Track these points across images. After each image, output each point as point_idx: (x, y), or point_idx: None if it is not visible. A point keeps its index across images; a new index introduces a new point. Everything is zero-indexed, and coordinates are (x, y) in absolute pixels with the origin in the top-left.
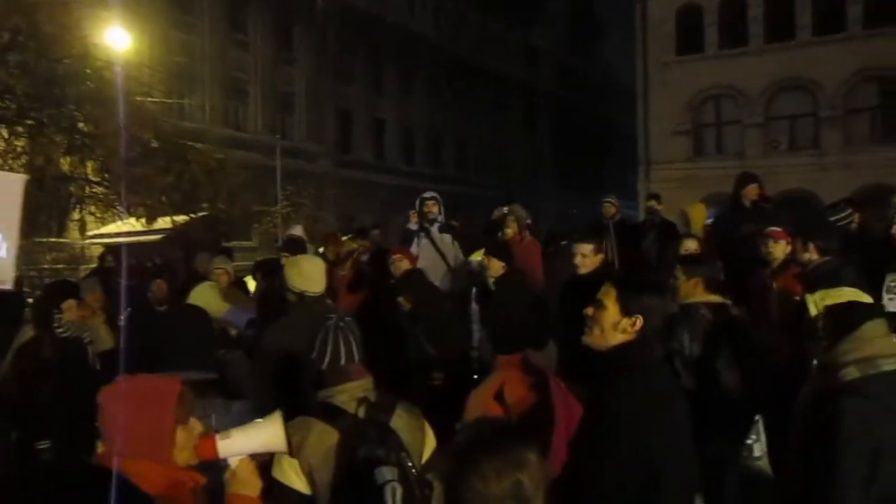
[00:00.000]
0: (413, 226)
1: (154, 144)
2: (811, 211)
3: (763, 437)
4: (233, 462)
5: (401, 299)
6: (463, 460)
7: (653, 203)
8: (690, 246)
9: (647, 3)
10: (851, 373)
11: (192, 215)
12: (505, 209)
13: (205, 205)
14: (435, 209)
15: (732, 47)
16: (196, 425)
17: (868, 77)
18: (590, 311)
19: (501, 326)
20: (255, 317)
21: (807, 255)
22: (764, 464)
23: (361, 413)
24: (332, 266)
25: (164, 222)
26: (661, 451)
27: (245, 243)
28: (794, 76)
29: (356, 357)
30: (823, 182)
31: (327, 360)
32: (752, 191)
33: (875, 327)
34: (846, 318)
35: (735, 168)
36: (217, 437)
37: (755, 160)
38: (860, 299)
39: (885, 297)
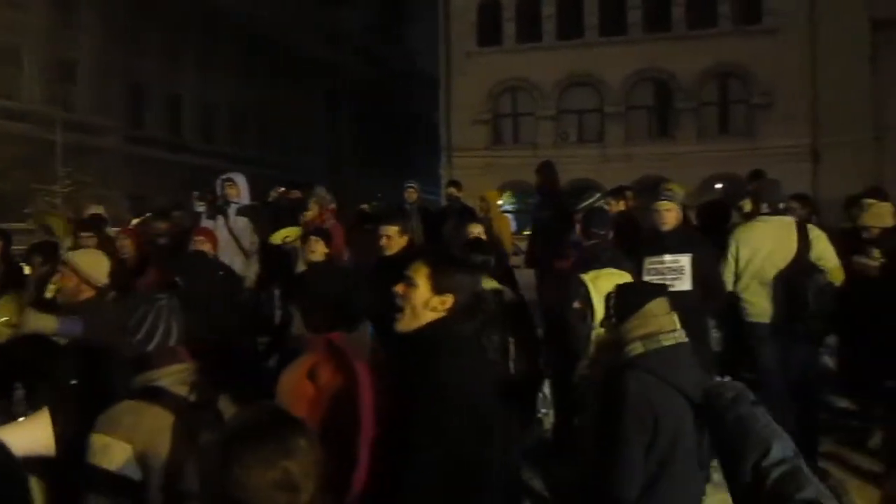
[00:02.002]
0: (200, 208)
1: None
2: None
3: (552, 411)
4: None
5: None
6: (227, 449)
7: (452, 190)
8: (474, 230)
9: None
10: (636, 348)
11: None
12: (281, 189)
13: None
14: (233, 192)
15: (528, 42)
16: None
17: (646, 78)
18: (400, 289)
19: (312, 307)
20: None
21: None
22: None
23: (193, 397)
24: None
25: None
26: (490, 411)
27: (18, 225)
28: (583, 73)
29: (180, 339)
30: (606, 172)
31: (156, 341)
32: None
33: (658, 305)
34: (633, 297)
35: (530, 157)
36: None
37: (548, 150)
38: (623, 279)
39: (645, 279)
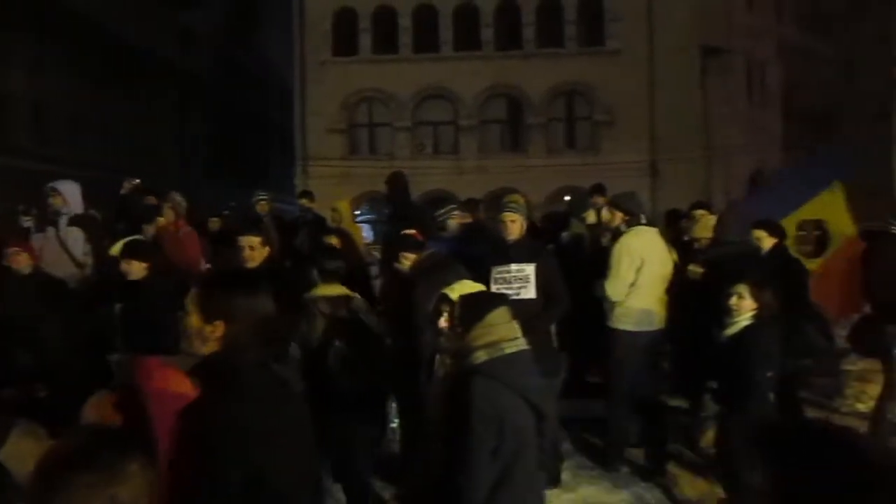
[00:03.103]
0: (28, 223)
1: None
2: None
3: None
4: None
5: None
6: (49, 477)
7: (304, 201)
8: (331, 241)
9: (305, 1)
10: (480, 356)
11: None
12: (136, 181)
13: None
14: (58, 201)
15: (384, 53)
16: None
17: (498, 93)
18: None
19: (138, 327)
20: None
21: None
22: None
23: None
24: None
25: None
26: (263, 456)
27: None
28: (438, 86)
29: None
30: (461, 184)
31: None
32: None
33: (500, 314)
34: (476, 307)
35: (387, 168)
36: None
37: (404, 161)
38: (480, 289)
39: (493, 287)
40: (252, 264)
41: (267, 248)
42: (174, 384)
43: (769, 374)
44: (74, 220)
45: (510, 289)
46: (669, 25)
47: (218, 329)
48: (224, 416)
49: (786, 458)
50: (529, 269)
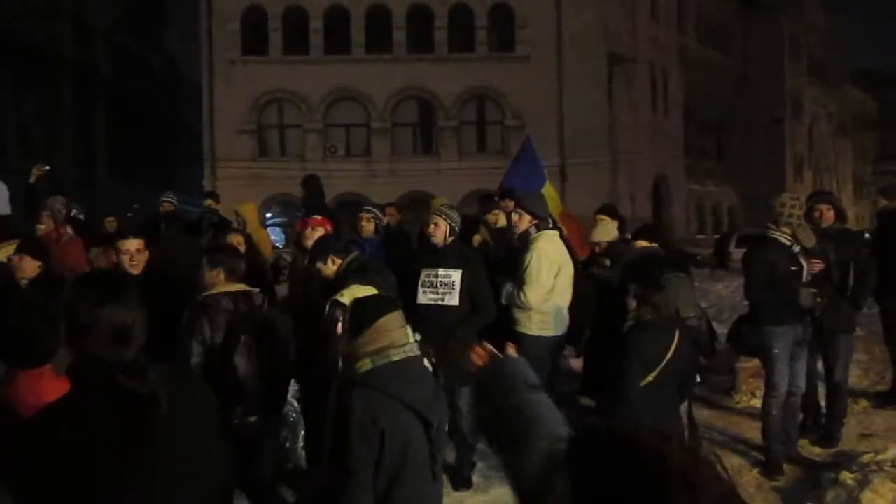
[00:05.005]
0: None
1: None
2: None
3: (301, 428)
4: None
5: None
6: None
7: (210, 202)
8: (235, 241)
9: None
10: (365, 364)
11: None
12: (46, 167)
13: None
14: None
15: (295, 54)
16: None
17: (410, 96)
18: None
19: (12, 336)
20: None
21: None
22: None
23: None
24: None
25: None
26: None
27: None
28: (350, 88)
29: None
30: (373, 187)
31: None
32: None
33: (392, 319)
34: (366, 312)
35: (298, 170)
36: None
37: (315, 164)
38: (373, 293)
39: (420, 290)
40: (135, 270)
41: (148, 253)
42: (51, 395)
43: (649, 375)
44: None
45: (435, 293)
46: (577, 33)
47: (75, 339)
48: (45, 430)
49: (583, 464)
50: (456, 276)
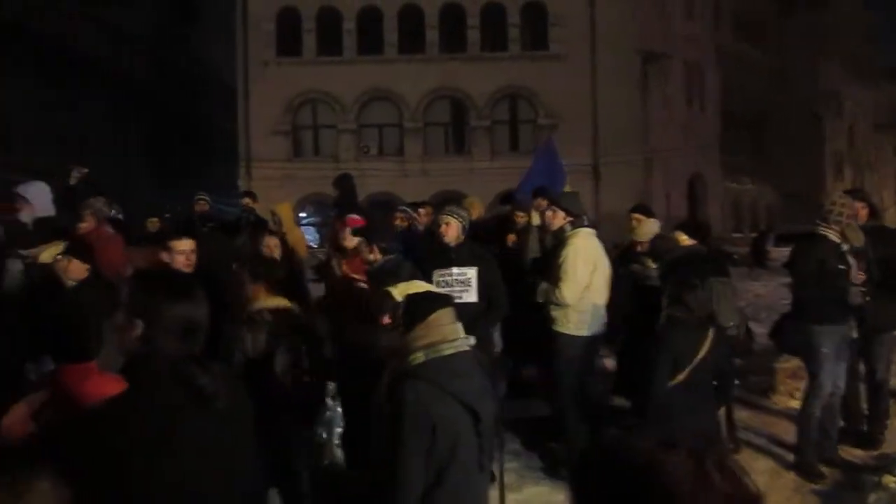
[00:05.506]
0: None
1: None
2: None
3: (336, 426)
4: None
5: None
6: None
7: (247, 201)
8: (269, 244)
9: (247, 0)
10: (418, 357)
11: None
12: (84, 170)
13: None
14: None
15: (329, 55)
16: None
17: (443, 95)
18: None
19: (59, 334)
20: None
21: (371, 256)
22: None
23: None
24: None
25: None
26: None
27: None
28: (383, 88)
29: None
30: (405, 186)
31: None
32: None
33: (444, 315)
34: (420, 307)
35: (331, 170)
36: None
37: (349, 163)
38: (425, 288)
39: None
40: (188, 270)
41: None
42: (108, 389)
43: (680, 374)
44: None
45: (452, 292)
46: (610, 30)
47: (137, 328)
48: (108, 420)
49: (581, 476)
50: (471, 273)
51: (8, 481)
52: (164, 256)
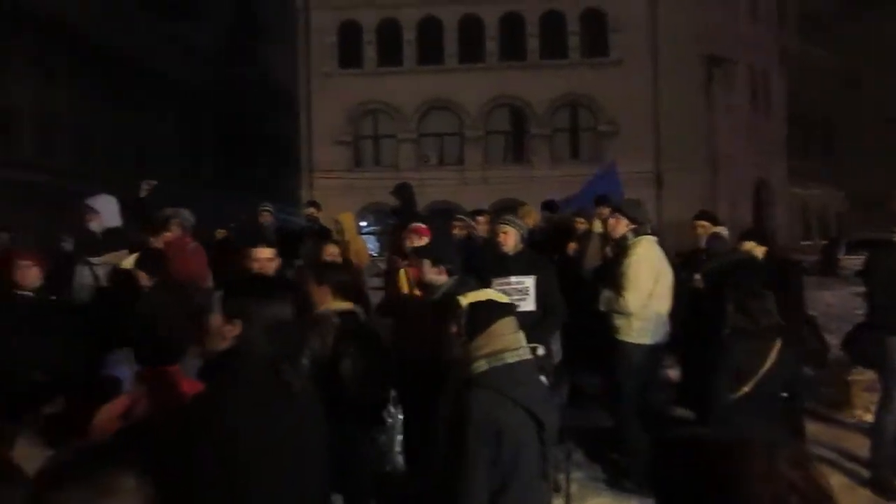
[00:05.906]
0: (69, 247)
1: None
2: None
3: (398, 433)
4: None
5: None
6: (43, 491)
7: (312, 210)
8: (332, 251)
9: (311, 13)
10: (481, 365)
11: None
12: (154, 182)
13: None
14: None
15: (389, 65)
16: None
17: (502, 104)
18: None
19: (146, 338)
20: None
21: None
22: (399, 458)
23: None
24: None
25: None
26: (245, 453)
27: None
28: (443, 98)
29: None
30: (465, 195)
31: None
32: None
33: (506, 324)
34: (482, 316)
35: (391, 179)
36: None
37: (408, 173)
38: (489, 297)
39: None
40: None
41: (278, 261)
42: (195, 390)
43: (744, 386)
44: (108, 236)
45: (510, 301)
46: (672, 35)
47: (235, 328)
48: (212, 409)
49: (662, 471)
50: (529, 282)
51: (95, 478)
52: (246, 263)
